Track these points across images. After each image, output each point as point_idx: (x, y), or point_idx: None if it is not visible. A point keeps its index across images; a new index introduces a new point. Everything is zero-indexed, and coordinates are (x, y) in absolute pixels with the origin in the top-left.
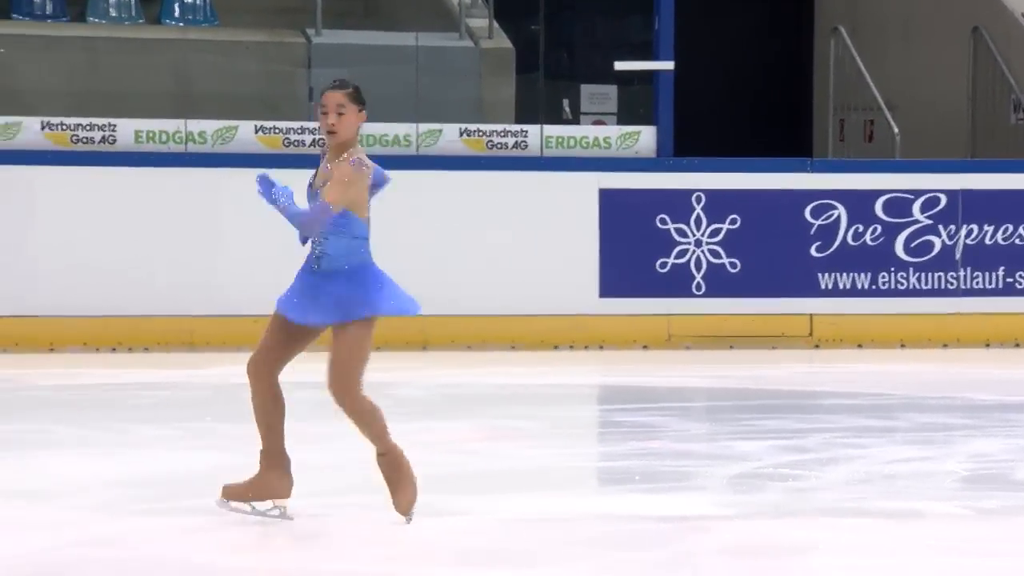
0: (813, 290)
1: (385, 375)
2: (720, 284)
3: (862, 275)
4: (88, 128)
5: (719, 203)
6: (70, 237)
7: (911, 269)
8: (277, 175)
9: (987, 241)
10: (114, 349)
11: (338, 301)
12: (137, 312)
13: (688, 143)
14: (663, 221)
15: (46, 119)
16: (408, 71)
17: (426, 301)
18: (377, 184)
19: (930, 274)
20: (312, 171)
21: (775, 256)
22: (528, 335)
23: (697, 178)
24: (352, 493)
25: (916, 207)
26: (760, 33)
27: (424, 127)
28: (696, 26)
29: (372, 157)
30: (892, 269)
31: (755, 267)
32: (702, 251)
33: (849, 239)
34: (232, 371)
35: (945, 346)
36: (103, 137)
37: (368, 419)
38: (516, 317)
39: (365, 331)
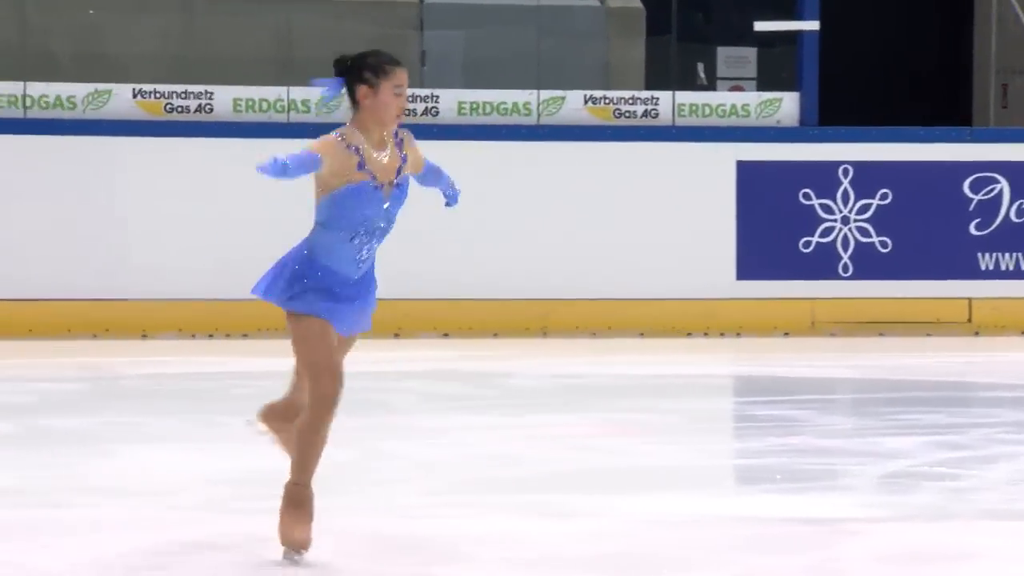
0: (972, 272)
1: (500, 363)
2: (869, 265)
3: None
4: (183, 96)
5: (868, 176)
6: (162, 215)
7: None
8: None
9: None
10: (211, 336)
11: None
12: (235, 296)
13: (834, 111)
14: (806, 196)
15: (138, 86)
16: (528, 33)
17: (546, 284)
18: None
19: None
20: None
21: (930, 234)
22: (658, 321)
23: (844, 149)
24: (466, 492)
25: None
26: None
27: (546, 94)
28: None
29: (488, 128)
30: None
31: (908, 246)
32: (849, 229)
33: (1012, 215)
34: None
35: None
36: (199, 106)
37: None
38: (645, 301)
39: None
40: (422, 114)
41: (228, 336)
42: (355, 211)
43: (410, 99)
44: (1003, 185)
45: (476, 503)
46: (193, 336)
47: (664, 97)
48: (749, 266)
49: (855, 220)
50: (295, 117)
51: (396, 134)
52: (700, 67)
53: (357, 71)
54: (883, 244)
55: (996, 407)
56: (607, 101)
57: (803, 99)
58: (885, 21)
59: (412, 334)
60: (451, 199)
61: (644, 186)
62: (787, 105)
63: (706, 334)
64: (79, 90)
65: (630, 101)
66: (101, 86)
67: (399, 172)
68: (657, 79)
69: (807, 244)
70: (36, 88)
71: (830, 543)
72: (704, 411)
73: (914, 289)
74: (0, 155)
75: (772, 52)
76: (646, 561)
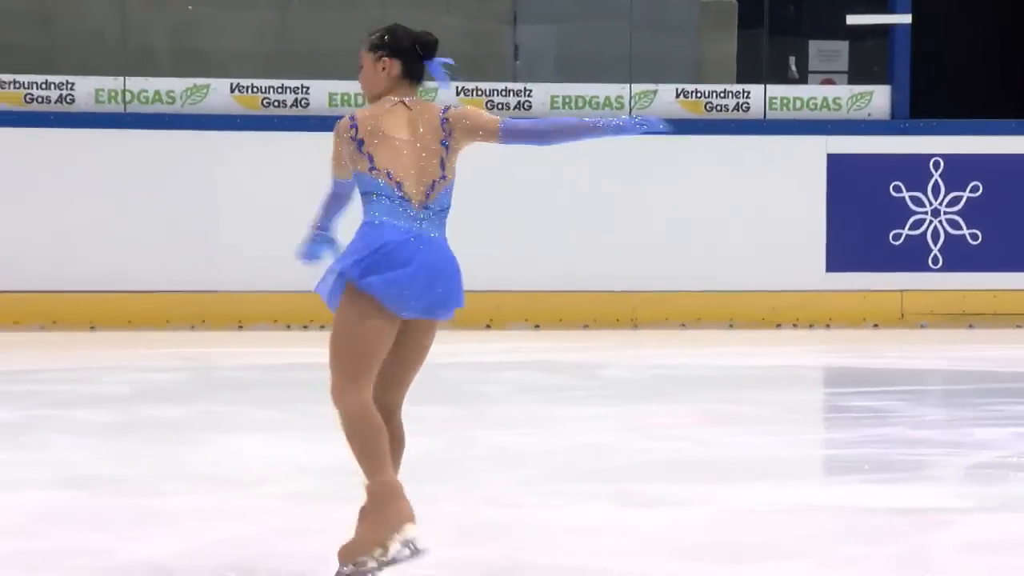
0: None
1: (592, 355)
2: (959, 257)
3: None
4: (280, 91)
5: (959, 169)
6: (258, 207)
7: None
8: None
9: None
10: (305, 327)
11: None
12: None
13: (926, 103)
14: (897, 189)
15: (236, 81)
16: (621, 27)
17: (636, 276)
18: None
19: None
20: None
21: (1020, 227)
22: (748, 312)
23: (935, 142)
24: (558, 481)
25: None
26: None
27: (637, 87)
28: None
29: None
30: None
31: (999, 239)
32: (940, 221)
33: None
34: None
35: None
36: (295, 100)
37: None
38: (735, 293)
39: None
40: (515, 108)
41: (322, 328)
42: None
43: (503, 92)
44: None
45: (568, 492)
46: (288, 327)
47: (756, 91)
48: (839, 258)
49: (945, 212)
50: None
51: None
52: (792, 61)
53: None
54: (973, 236)
55: None
56: (699, 95)
57: (894, 92)
58: (979, 14)
59: (503, 325)
60: (626, 129)
61: (735, 179)
62: (878, 98)
63: (795, 325)
64: (178, 85)
65: (722, 95)
66: (199, 81)
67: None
68: (749, 73)
69: (897, 236)
70: (136, 83)
71: (918, 533)
72: (795, 402)
73: (1004, 281)
74: (101, 149)
75: (864, 45)
76: (736, 550)
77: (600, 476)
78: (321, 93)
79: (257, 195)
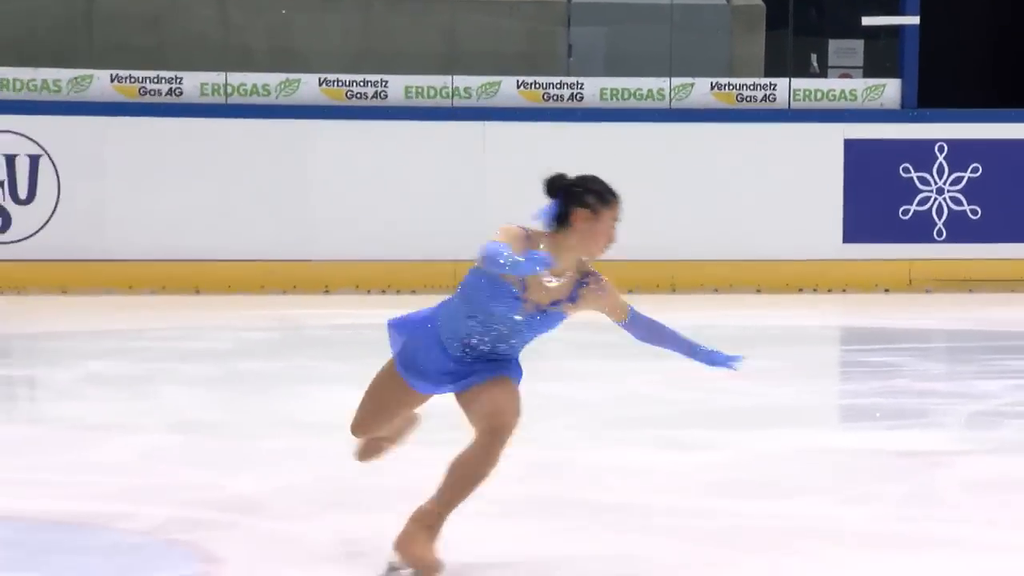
0: None
1: None
2: (961, 230)
3: None
4: (362, 84)
5: (961, 152)
6: (344, 187)
7: None
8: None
9: None
10: (383, 291)
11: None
12: (405, 257)
13: (932, 94)
14: (906, 170)
15: (323, 76)
16: (662, 28)
17: (674, 246)
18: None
19: None
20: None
21: (1016, 203)
22: (773, 279)
23: (940, 128)
24: (607, 427)
25: None
26: None
27: (677, 81)
28: None
29: (626, 111)
30: None
31: (996, 214)
32: (943, 198)
33: None
34: None
35: None
36: (375, 92)
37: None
38: (762, 262)
39: None
40: (568, 99)
41: (398, 292)
42: (483, 299)
43: (557, 86)
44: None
45: (613, 437)
46: (368, 292)
47: (781, 83)
48: (854, 231)
49: (949, 191)
50: (458, 102)
51: (587, 279)
52: (813, 57)
53: (579, 194)
54: (973, 212)
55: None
56: (731, 87)
57: (904, 85)
58: (980, 14)
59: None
60: (705, 358)
61: (763, 161)
62: (890, 90)
63: (815, 290)
64: (272, 79)
65: (751, 87)
66: (291, 76)
67: (556, 304)
68: (775, 68)
69: (906, 212)
70: (235, 78)
71: (924, 472)
72: (814, 358)
73: (1001, 251)
74: (206, 136)
75: (877, 43)
76: (762, 487)
77: (641, 423)
78: (398, 86)
79: (342, 176)
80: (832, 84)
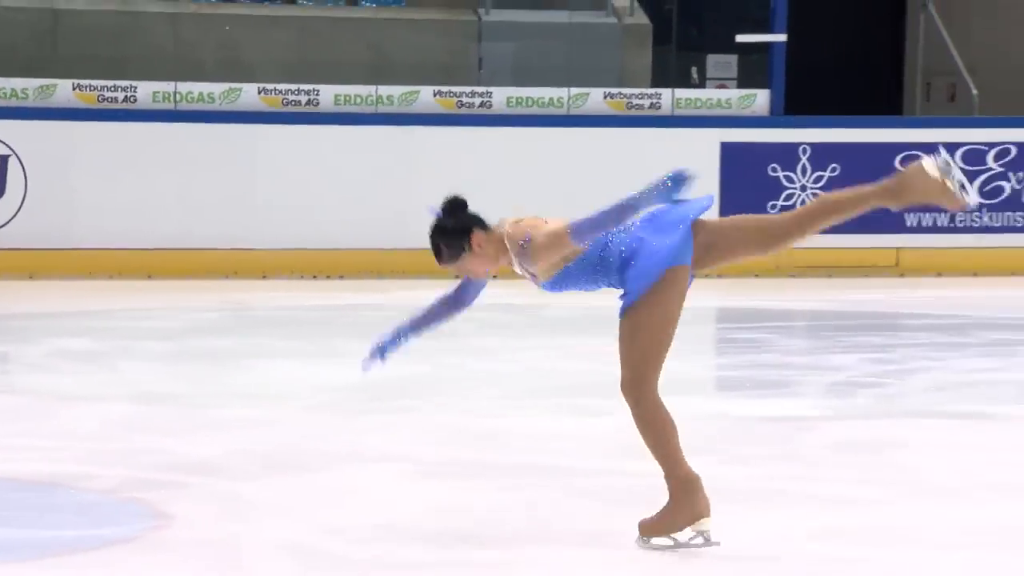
0: (900, 227)
1: (538, 299)
2: None
3: (942, 214)
4: (296, 93)
5: (822, 154)
6: (281, 184)
7: (984, 210)
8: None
9: None
10: (315, 277)
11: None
12: (336, 245)
13: (797, 103)
14: (774, 170)
15: (262, 85)
16: (562, 44)
17: None
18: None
19: (1000, 213)
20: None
21: None
22: None
23: (804, 133)
24: (517, 397)
25: (990, 157)
26: (860, 10)
27: (574, 91)
28: (807, 4)
29: (530, 117)
30: (968, 209)
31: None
32: (807, 195)
33: None
34: (417, 295)
35: (1012, 274)
36: (308, 100)
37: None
38: None
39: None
40: (479, 107)
41: (328, 277)
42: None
43: (470, 94)
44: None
45: (526, 405)
46: (302, 277)
47: (666, 93)
48: None
49: (811, 188)
50: (381, 109)
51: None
52: (693, 70)
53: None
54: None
55: (917, 331)
56: (621, 96)
57: (773, 95)
58: (838, 35)
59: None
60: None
61: (649, 161)
62: (760, 99)
63: (695, 276)
64: (217, 88)
65: (639, 96)
66: (234, 85)
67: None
68: (660, 79)
69: (774, 207)
70: (184, 87)
71: (789, 436)
72: (693, 334)
73: (856, 241)
74: (158, 139)
75: (749, 58)
76: None
77: (548, 393)
78: (328, 95)
79: (279, 173)
80: (710, 94)
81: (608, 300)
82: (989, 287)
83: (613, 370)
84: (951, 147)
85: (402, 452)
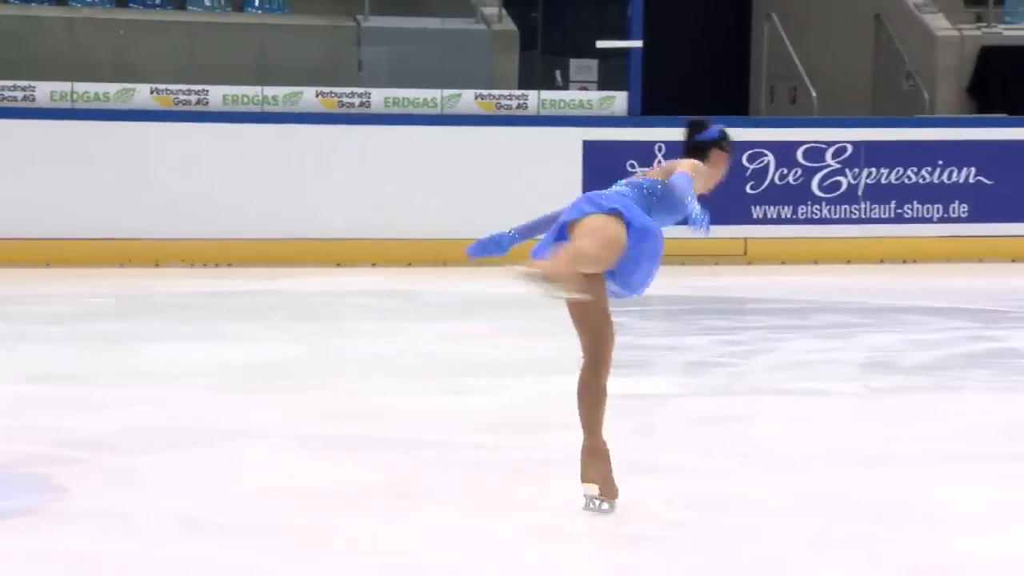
0: (747, 219)
1: (415, 286)
2: None
3: (785, 207)
4: (186, 93)
5: (675, 152)
6: (172, 179)
7: (823, 203)
8: (332, 129)
9: (883, 181)
10: (204, 265)
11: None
12: (223, 235)
13: (653, 104)
14: (632, 166)
15: (154, 86)
16: (435, 48)
17: (447, 227)
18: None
19: (838, 206)
20: None
21: (718, 193)
22: (526, 255)
23: (659, 132)
24: (396, 376)
25: (828, 154)
26: (710, 19)
27: (447, 92)
28: (662, 13)
29: (406, 116)
30: (809, 203)
31: (702, 201)
32: None
33: (776, 179)
34: (295, 283)
35: (848, 262)
36: (198, 100)
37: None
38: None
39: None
40: (358, 106)
41: (217, 265)
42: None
43: (350, 95)
44: (770, 158)
45: (400, 385)
46: (192, 265)
47: (532, 95)
48: None
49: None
50: (267, 108)
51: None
52: (558, 73)
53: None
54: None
55: (763, 315)
56: (491, 97)
57: (631, 96)
58: (690, 42)
59: (352, 263)
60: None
61: (518, 159)
62: (619, 101)
63: None
64: (111, 88)
65: (507, 97)
66: (128, 85)
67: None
68: (527, 82)
69: None
70: (81, 87)
71: (649, 411)
72: (560, 319)
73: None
74: (55, 137)
75: (609, 63)
76: (526, 423)
77: (423, 373)
78: (217, 95)
79: (170, 169)
80: (573, 95)
81: (480, 287)
82: (828, 274)
83: (485, 352)
84: (792, 145)
85: (286, 429)
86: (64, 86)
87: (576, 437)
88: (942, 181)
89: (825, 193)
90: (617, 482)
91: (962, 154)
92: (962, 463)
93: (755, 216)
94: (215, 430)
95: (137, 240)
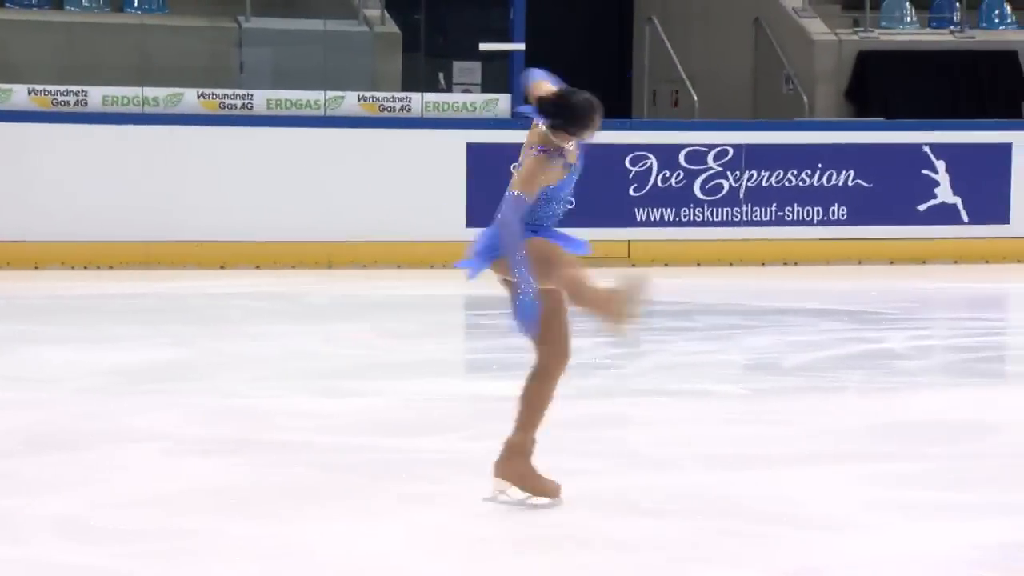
0: (631, 222)
1: (300, 287)
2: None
3: (668, 210)
4: (65, 94)
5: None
6: (52, 180)
7: (705, 205)
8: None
9: (763, 184)
10: (85, 267)
11: None
12: (106, 237)
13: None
14: (515, 167)
15: (32, 86)
16: (318, 50)
17: (331, 228)
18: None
19: (720, 209)
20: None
21: (602, 196)
22: (411, 256)
23: None
24: (277, 378)
25: (710, 157)
26: (592, 22)
27: (330, 94)
28: (544, 16)
29: (289, 118)
30: (691, 205)
31: (587, 203)
32: None
33: (659, 182)
34: (178, 285)
35: (731, 265)
36: (77, 101)
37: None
38: (401, 243)
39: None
40: (240, 108)
41: (99, 268)
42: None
43: (232, 96)
44: (652, 160)
45: (284, 387)
46: (73, 267)
47: (415, 97)
48: (475, 217)
49: None
50: (148, 109)
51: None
52: (441, 76)
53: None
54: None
55: (647, 317)
56: (374, 99)
57: (513, 99)
58: (574, 44)
59: (235, 266)
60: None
61: (402, 160)
62: (502, 103)
63: (444, 266)
64: None
65: (391, 99)
66: (4, 86)
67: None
68: (410, 84)
69: None
70: None
71: None
72: (444, 321)
73: (590, 234)
74: None
75: (492, 65)
76: (405, 426)
77: (307, 375)
78: (97, 96)
79: (50, 170)
80: (456, 98)
81: (364, 289)
82: (710, 276)
83: (366, 354)
84: (675, 148)
85: (166, 431)
86: None
87: (464, 439)
88: (822, 184)
89: (707, 196)
90: (497, 485)
91: (841, 157)
92: (837, 464)
93: (638, 218)
94: (94, 433)
95: (16, 243)
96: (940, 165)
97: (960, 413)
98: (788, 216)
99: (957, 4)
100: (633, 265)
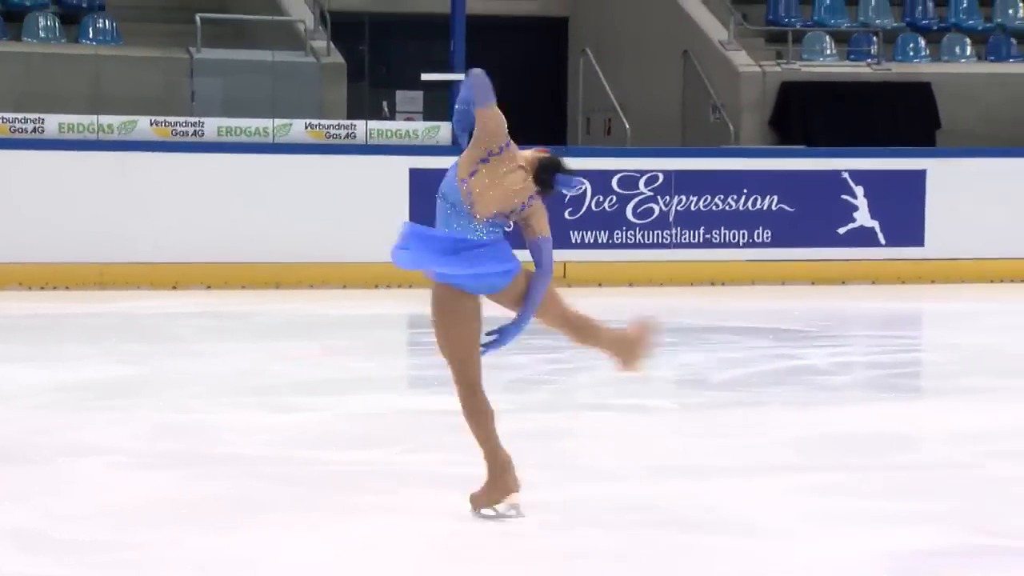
0: (567, 244)
1: (249, 307)
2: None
3: (602, 232)
4: (23, 121)
5: None
6: (9, 204)
7: (637, 228)
8: (166, 157)
9: (692, 208)
10: (43, 288)
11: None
12: (60, 259)
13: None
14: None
15: None
16: (267, 80)
17: (279, 250)
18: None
19: (650, 232)
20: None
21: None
22: (358, 276)
23: None
24: (226, 394)
25: (641, 182)
26: (529, 53)
27: (279, 122)
28: (484, 47)
29: (239, 144)
30: (623, 228)
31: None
32: None
33: (592, 206)
34: (131, 305)
35: (661, 285)
36: (34, 128)
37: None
38: (349, 264)
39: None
40: (192, 135)
41: (55, 288)
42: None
43: (184, 124)
44: (586, 186)
45: (233, 402)
46: (30, 288)
47: (360, 124)
48: None
49: None
50: (102, 136)
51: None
52: (385, 104)
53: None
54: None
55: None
56: (321, 127)
57: (454, 126)
58: (511, 75)
59: (187, 286)
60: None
61: (347, 185)
62: (444, 130)
63: (388, 286)
64: None
65: (336, 127)
66: None
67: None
68: (355, 112)
69: None
70: None
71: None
72: (389, 338)
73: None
74: None
75: (434, 94)
76: (352, 440)
77: (255, 391)
78: (53, 123)
79: (8, 194)
80: (399, 125)
81: (311, 309)
82: (642, 296)
83: (312, 371)
84: (608, 173)
85: (118, 445)
86: None
87: (403, 452)
88: (747, 208)
89: (639, 219)
90: (435, 494)
91: (765, 183)
92: (764, 475)
93: (573, 241)
94: (48, 447)
95: None
96: (859, 190)
97: (880, 426)
98: (715, 238)
99: (874, 38)
100: (569, 286)
